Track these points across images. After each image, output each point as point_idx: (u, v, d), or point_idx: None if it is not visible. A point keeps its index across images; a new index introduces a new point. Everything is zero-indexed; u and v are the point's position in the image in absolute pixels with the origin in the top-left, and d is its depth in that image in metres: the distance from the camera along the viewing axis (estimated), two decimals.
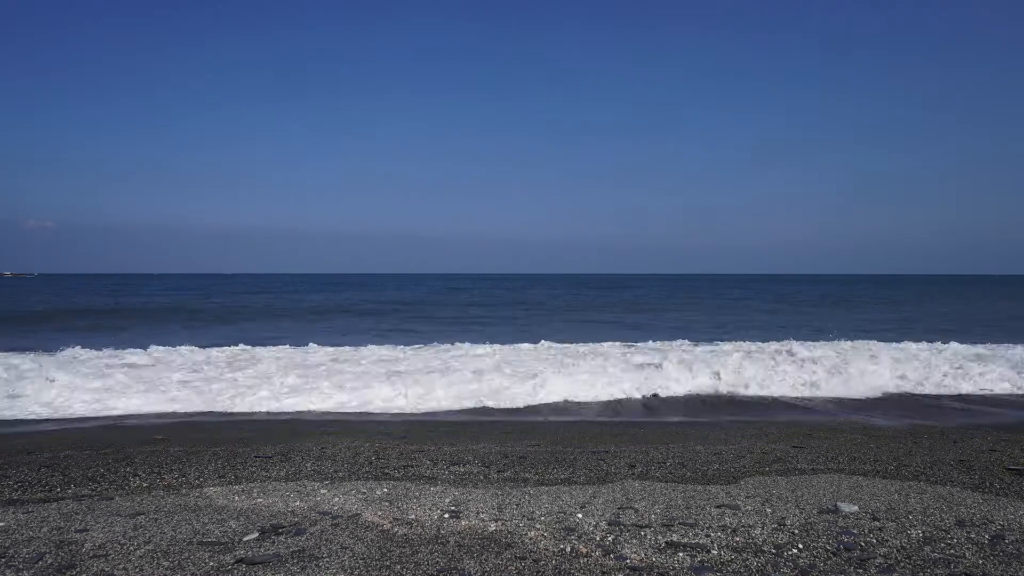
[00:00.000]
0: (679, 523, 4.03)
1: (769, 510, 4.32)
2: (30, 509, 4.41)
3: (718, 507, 4.41)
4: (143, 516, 4.16)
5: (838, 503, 4.44)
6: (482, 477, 5.54)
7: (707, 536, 3.78)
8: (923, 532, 3.83)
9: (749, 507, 4.40)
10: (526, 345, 15.85)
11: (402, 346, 15.51)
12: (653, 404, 10.21)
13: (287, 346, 15.10)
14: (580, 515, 4.21)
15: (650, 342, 16.68)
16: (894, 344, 15.31)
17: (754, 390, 10.84)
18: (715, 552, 3.51)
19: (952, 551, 3.51)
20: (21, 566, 3.27)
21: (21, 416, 8.74)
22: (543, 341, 16.20)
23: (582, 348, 15.22)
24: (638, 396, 10.54)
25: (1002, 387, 11.09)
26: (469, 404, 9.80)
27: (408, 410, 9.47)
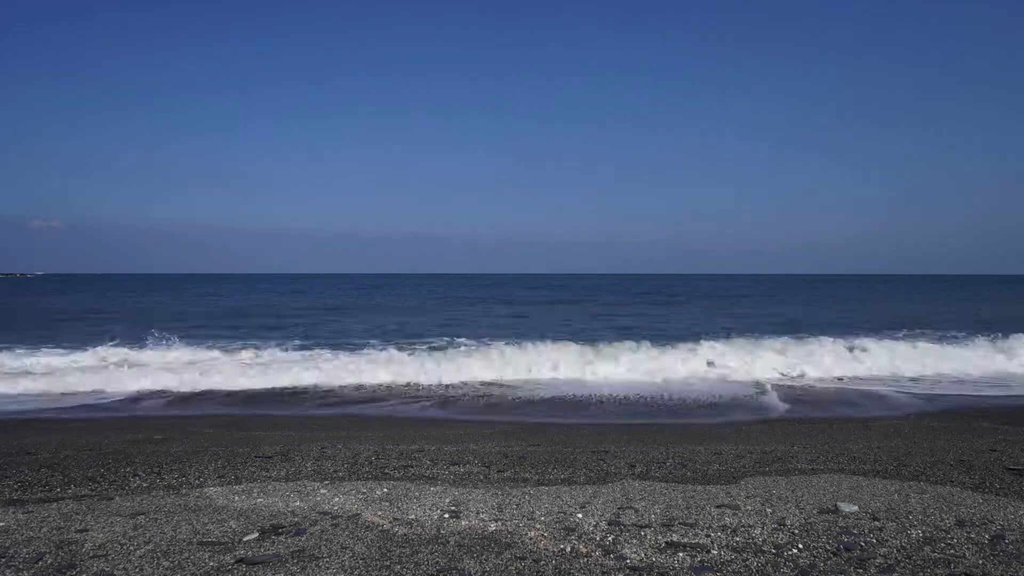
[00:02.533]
0: (679, 523, 4.03)
1: (769, 510, 4.32)
2: (30, 509, 4.41)
3: (718, 507, 4.40)
4: (143, 516, 4.16)
5: (838, 503, 4.44)
6: (482, 477, 5.54)
7: (707, 536, 3.78)
8: (923, 532, 3.83)
9: (749, 507, 4.40)
10: None
11: None
12: None
13: None
14: (580, 515, 4.21)
15: None
16: None
17: None
18: (715, 552, 3.51)
19: (952, 551, 3.51)
20: (21, 566, 3.27)
21: None
22: None
23: None
24: None
25: None
26: None
27: None
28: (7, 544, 3.59)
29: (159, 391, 11.79)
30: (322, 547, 3.53)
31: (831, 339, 15.67)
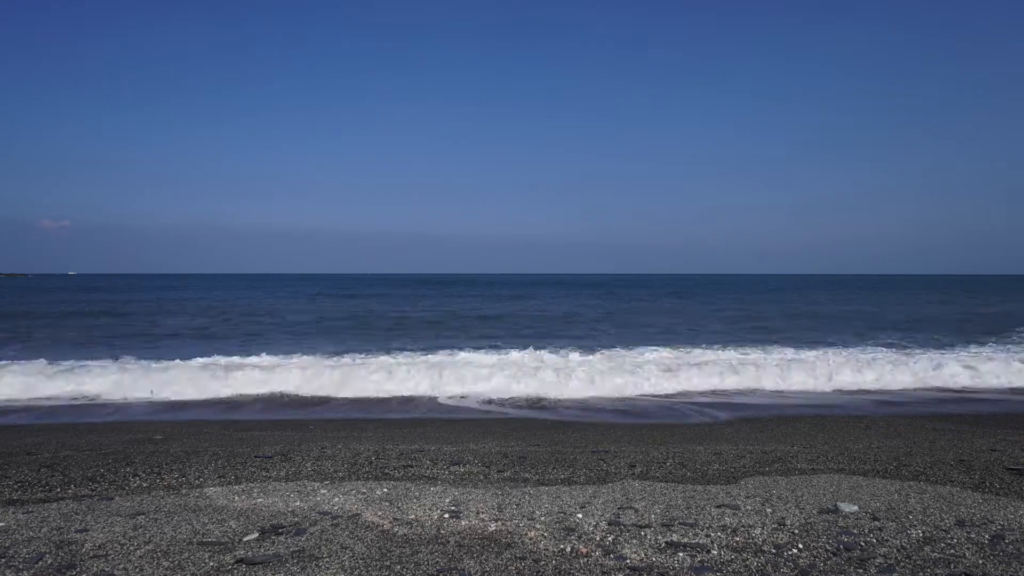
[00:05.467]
0: (679, 523, 4.03)
1: (769, 510, 4.32)
2: (30, 509, 4.40)
3: (718, 507, 4.40)
4: (143, 516, 4.16)
5: (838, 503, 4.44)
6: (482, 477, 5.53)
7: (707, 536, 3.77)
8: (923, 532, 3.83)
9: (749, 507, 4.40)
10: None
11: None
12: None
13: None
14: (580, 515, 4.21)
15: None
16: None
17: None
18: (715, 552, 3.51)
19: (952, 551, 3.51)
20: (21, 566, 3.27)
21: None
22: None
23: None
24: None
25: None
26: None
27: None
28: (7, 544, 3.59)
29: None
30: (322, 547, 3.53)
31: None
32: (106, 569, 3.22)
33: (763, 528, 3.92)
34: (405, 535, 3.78)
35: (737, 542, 3.67)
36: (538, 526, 3.97)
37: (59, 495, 4.90)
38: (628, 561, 3.37)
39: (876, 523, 4.00)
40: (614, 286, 76.64)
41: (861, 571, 3.24)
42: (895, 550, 3.52)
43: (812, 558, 3.41)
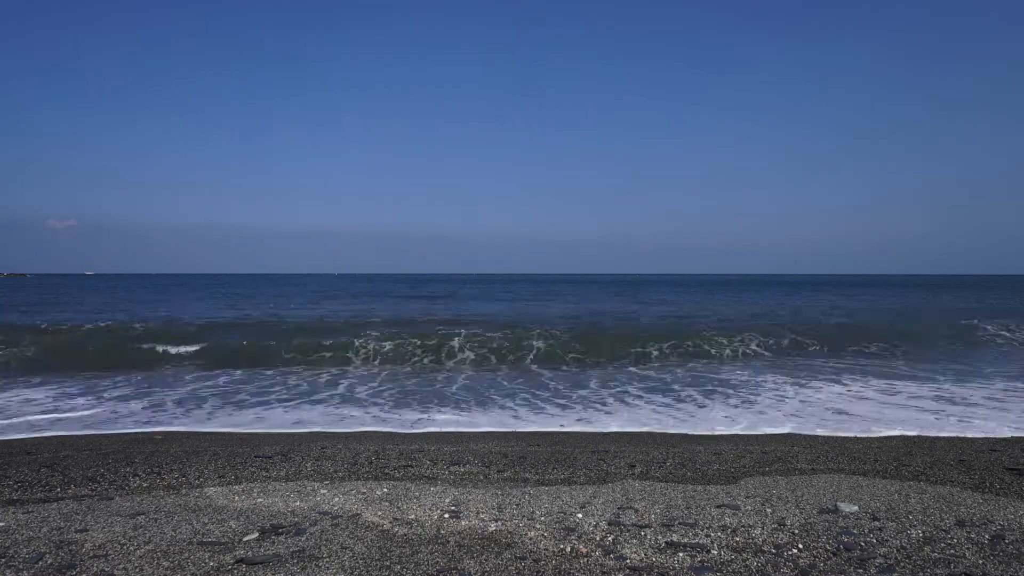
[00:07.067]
0: (679, 523, 4.03)
1: (769, 510, 4.32)
2: (30, 509, 4.40)
3: (718, 507, 4.40)
4: (143, 516, 4.16)
5: (838, 503, 4.44)
6: (482, 477, 5.53)
7: (707, 536, 3.77)
8: (923, 532, 3.83)
9: (749, 507, 4.40)
10: None
11: None
12: None
13: None
14: (580, 515, 4.21)
15: None
16: None
17: None
18: (715, 552, 3.51)
19: (952, 551, 3.51)
20: (21, 566, 3.27)
21: None
22: None
23: None
24: None
25: None
26: None
27: None
28: (7, 544, 3.59)
29: None
30: (322, 547, 3.53)
31: None
32: (106, 569, 3.22)
33: (763, 528, 3.92)
34: (405, 535, 3.78)
35: (737, 542, 3.67)
36: (538, 526, 3.97)
37: (59, 495, 4.90)
38: (628, 561, 3.37)
39: (876, 523, 4.00)
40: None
41: (861, 571, 3.24)
42: (895, 550, 3.52)
43: (812, 558, 3.41)
